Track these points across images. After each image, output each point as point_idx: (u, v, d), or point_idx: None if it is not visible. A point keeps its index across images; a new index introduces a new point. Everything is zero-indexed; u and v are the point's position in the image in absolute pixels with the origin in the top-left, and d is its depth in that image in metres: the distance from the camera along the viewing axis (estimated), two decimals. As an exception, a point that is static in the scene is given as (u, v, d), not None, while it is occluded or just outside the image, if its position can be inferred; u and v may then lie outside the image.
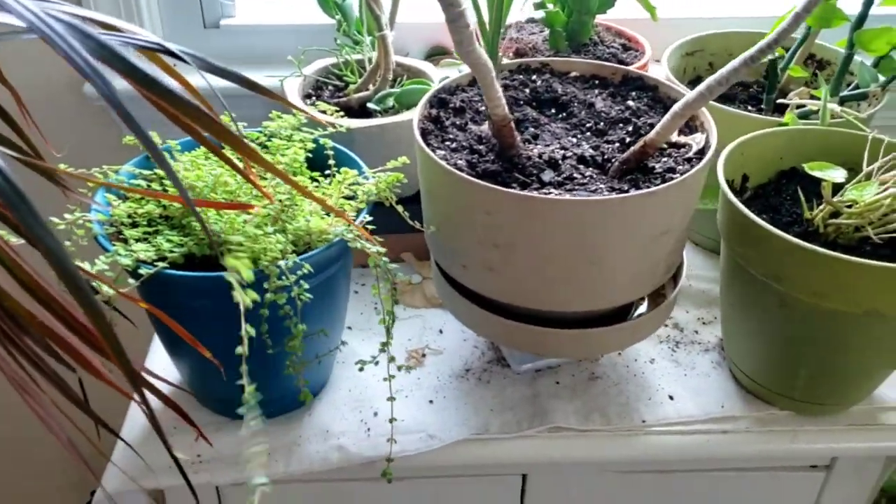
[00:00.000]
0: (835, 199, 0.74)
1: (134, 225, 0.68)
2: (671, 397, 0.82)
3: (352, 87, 0.96)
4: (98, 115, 1.14)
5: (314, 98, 0.96)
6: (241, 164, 0.62)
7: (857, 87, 0.93)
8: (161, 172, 0.72)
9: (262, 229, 0.64)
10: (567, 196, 0.66)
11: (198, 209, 0.63)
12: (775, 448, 0.80)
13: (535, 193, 0.66)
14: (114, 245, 0.65)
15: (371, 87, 0.95)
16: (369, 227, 0.68)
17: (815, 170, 0.75)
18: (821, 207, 0.76)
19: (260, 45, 1.13)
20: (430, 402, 0.82)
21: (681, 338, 0.90)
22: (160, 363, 0.83)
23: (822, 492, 0.87)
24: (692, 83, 1.08)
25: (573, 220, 0.63)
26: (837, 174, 0.74)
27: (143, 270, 0.62)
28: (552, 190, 0.67)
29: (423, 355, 0.87)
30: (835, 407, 0.80)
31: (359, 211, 0.71)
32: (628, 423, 0.80)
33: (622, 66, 0.84)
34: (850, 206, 0.73)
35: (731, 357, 0.84)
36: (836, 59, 1.03)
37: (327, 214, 0.69)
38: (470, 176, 0.66)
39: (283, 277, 0.62)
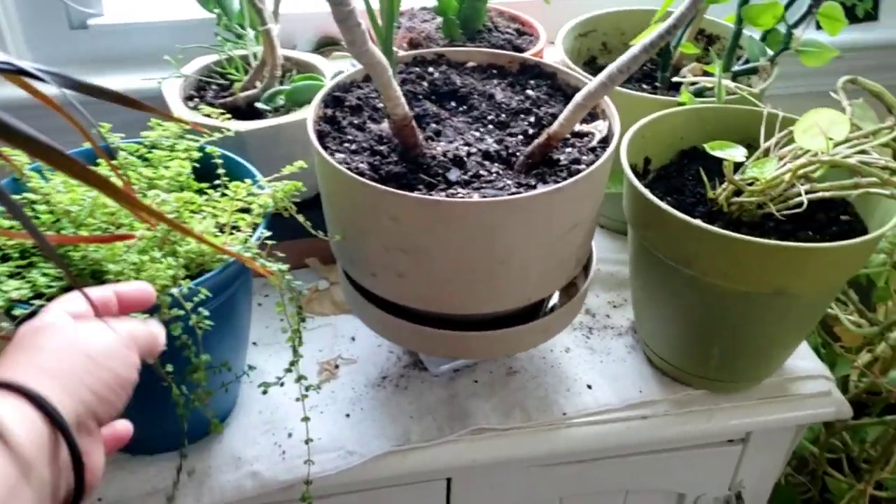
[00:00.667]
0: (736, 178, 0.74)
1: (4, 259, 0.61)
2: (589, 386, 0.81)
3: (237, 85, 0.91)
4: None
5: (197, 100, 0.90)
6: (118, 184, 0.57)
7: (747, 61, 0.94)
8: (32, 196, 0.65)
9: (149, 254, 0.59)
10: (475, 196, 0.63)
11: (66, 245, 0.57)
12: (693, 428, 0.80)
13: (440, 196, 0.63)
14: None
15: (258, 84, 0.90)
16: (268, 241, 0.64)
17: (715, 149, 0.76)
18: (723, 186, 0.76)
19: (134, 44, 1.05)
20: (347, 415, 0.78)
21: (593, 323, 0.90)
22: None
23: (739, 463, 0.89)
24: (587, 65, 1.07)
25: (480, 222, 0.60)
26: (737, 153, 0.74)
27: (17, 311, 0.56)
28: (459, 189, 0.65)
29: (336, 366, 0.83)
30: (747, 383, 0.81)
31: (255, 226, 0.66)
32: (549, 416, 0.78)
33: (519, 55, 0.81)
34: (751, 184, 0.74)
35: (644, 340, 0.84)
36: (726, 34, 1.05)
37: (221, 231, 0.64)
38: (372, 180, 0.63)
39: (178, 307, 0.57)
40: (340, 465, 0.74)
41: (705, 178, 0.77)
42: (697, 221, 0.67)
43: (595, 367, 0.84)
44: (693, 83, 0.95)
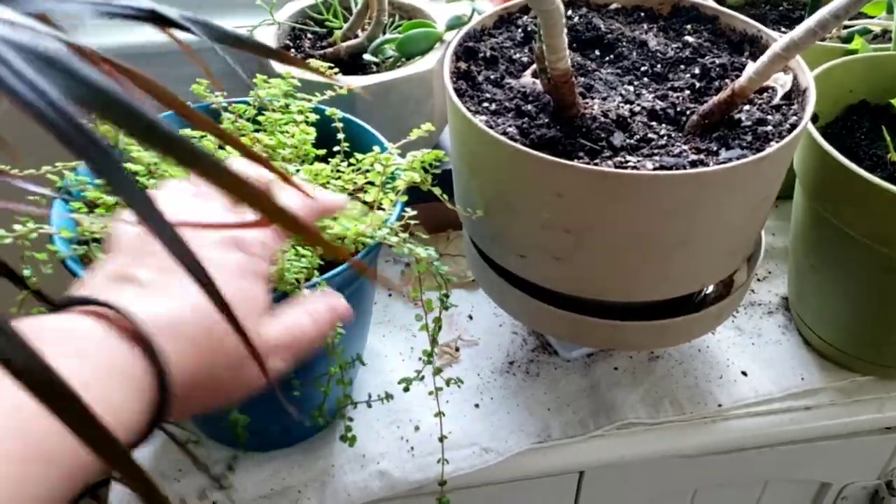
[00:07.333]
0: (929, 138, 0.64)
1: (111, 242, 0.53)
2: (744, 373, 0.73)
3: (337, 33, 0.81)
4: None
5: (294, 50, 0.81)
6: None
7: (910, -1, 0.82)
8: (133, 167, 0.57)
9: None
10: (647, 164, 0.54)
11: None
12: (863, 419, 0.72)
13: (608, 165, 0.53)
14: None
15: (360, 33, 0.80)
16: (411, 221, 0.55)
17: (904, 105, 0.65)
18: (911, 148, 0.66)
19: (214, -13, 0.96)
20: (476, 405, 0.70)
21: (737, 299, 0.80)
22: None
23: (895, 452, 0.80)
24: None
25: (673, 197, 0.51)
26: (933, 109, 0.64)
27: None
28: (627, 157, 0.55)
29: (457, 349, 0.75)
30: (920, 369, 0.72)
31: (392, 202, 0.57)
32: (703, 409, 0.70)
33: (671, -6, 0.71)
34: (947, 146, 0.64)
35: (806, 321, 0.74)
36: (877, -32, 0.92)
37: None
38: (524, 146, 0.53)
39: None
40: (476, 463, 0.66)
41: (888, 138, 0.67)
42: (908, 193, 0.57)
43: (747, 351, 0.75)
44: (846, 27, 0.84)
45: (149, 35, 0.39)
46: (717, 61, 0.64)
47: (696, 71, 0.64)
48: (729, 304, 0.64)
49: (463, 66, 0.63)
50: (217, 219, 0.41)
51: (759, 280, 0.82)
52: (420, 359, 0.74)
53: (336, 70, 0.71)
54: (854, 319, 0.69)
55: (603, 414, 0.69)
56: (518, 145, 0.52)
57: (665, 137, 0.57)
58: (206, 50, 0.49)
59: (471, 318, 0.78)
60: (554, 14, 0.49)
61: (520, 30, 0.68)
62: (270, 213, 0.28)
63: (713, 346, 0.75)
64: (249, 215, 0.28)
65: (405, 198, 0.57)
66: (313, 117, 0.62)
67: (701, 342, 0.75)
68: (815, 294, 0.72)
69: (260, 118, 0.62)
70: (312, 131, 0.59)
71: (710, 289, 0.69)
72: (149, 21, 0.37)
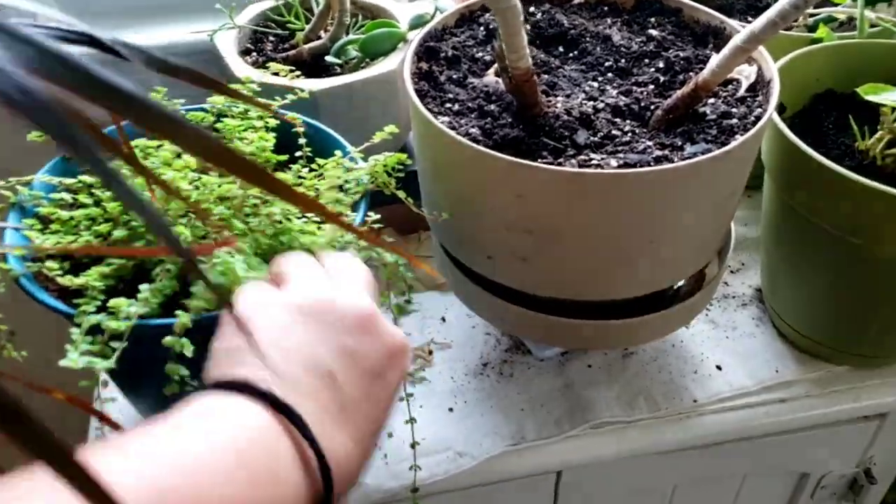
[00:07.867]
0: (896, 126, 0.64)
1: (65, 260, 0.52)
2: (719, 367, 0.72)
3: (299, 35, 0.79)
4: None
5: (255, 54, 0.79)
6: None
7: (875, -14, 0.82)
8: (90, 179, 0.56)
9: (249, 261, 0.49)
10: (612, 161, 0.53)
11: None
12: (839, 409, 0.72)
13: (571, 164, 0.53)
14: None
15: (323, 34, 0.79)
16: (375, 224, 0.54)
17: (869, 94, 0.65)
18: (877, 136, 0.66)
19: (174, -9, 0.94)
20: (450, 409, 0.69)
21: (710, 292, 0.80)
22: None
23: (872, 441, 0.80)
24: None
25: (638, 195, 0.50)
26: (898, 97, 0.64)
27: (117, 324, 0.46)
28: (591, 154, 0.54)
29: (430, 352, 0.74)
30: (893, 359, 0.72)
31: (353, 206, 0.56)
32: (678, 404, 0.70)
33: (634, -13, 0.70)
34: (914, 133, 0.63)
35: (779, 313, 0.74)
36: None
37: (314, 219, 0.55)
38: (486, 147, 0.53)
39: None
40: (450, 468, 0.65)
41: (855, 127, 0.67)
42: (879, 185, 0.56)
43: (721, 344, 0.74)
44: (812, 14, 0.84)
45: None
46: (681, 54, 0.63)
47: (661, 65, 0.63)
48: (701, 297, 0.63)
49: (424, 66, 0.62)
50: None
51: (732, 272, 0.82)
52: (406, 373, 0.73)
53: (298, 73, 0.70)
54: (826, 310, 0.69)
55: (578, 413, 0.68)
56: (479, 147, 0.51)
57: (629, 134, 0.57)
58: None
59: (444, 320, 0.77)
60: (511, 12, 0.48)
61: (482, 28, 0.67)
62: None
63: (687, 340, 0.75)
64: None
65: (355, 197, 0.56)
66: (273, 122, 0.61)
67: (675, 337, 0.75)
68: (787, 285, 0.71)
69: (218, 125, 0.61)
70: (271, 137, 0.58)
71: (682, 283, 0.69)
72: (86, 45, 0.36)
